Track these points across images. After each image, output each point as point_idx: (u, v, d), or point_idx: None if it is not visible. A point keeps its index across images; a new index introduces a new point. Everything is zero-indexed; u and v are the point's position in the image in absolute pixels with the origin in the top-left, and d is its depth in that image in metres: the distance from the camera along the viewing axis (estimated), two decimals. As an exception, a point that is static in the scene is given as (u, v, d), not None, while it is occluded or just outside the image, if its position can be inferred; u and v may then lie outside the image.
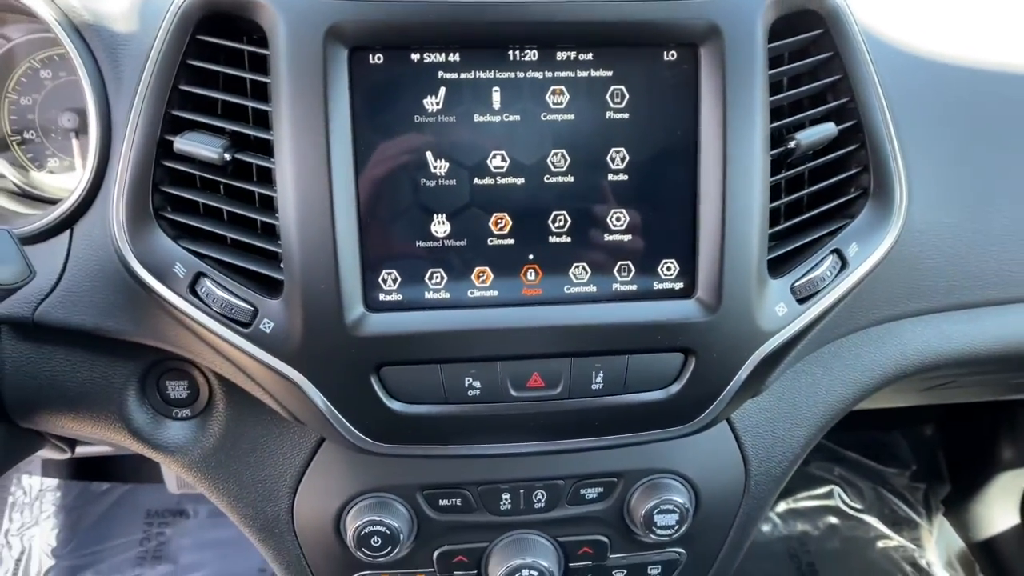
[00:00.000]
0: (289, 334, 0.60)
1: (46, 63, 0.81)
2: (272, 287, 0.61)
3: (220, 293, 0.60)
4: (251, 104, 0.60)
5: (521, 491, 0.73)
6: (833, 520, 1.81)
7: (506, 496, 0.73)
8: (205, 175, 0.62)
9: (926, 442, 1.86)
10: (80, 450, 0.90)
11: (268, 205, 0.61)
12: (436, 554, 0.74)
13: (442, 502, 0.72)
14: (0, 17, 0.78)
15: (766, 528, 1.79)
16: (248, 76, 0.59)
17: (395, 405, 0.62)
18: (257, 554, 1.73)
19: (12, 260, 0.51)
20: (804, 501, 1.83)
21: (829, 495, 1.83)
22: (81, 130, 0.81)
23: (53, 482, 1.71)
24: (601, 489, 0.74)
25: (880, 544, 1.77)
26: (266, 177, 0.61)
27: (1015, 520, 1.64)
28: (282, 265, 0.60)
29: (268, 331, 0.60)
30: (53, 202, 0.81)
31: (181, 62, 0.60)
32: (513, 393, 0.63)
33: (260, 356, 0.61)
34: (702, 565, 0.81)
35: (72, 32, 0.65)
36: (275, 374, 0.61)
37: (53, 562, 1.64)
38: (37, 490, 1.70)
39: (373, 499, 0.72)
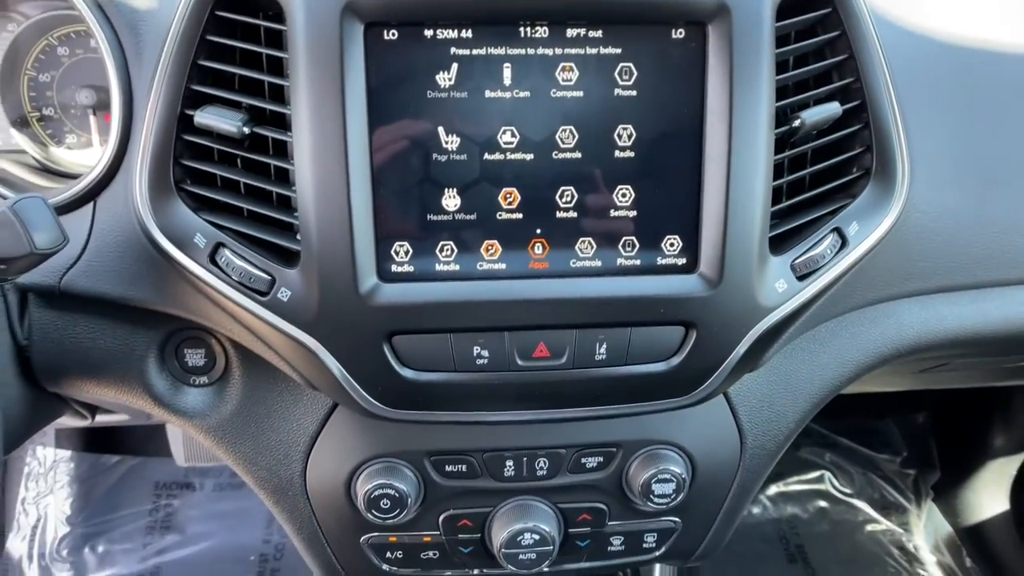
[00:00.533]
0: (305, 302, 0.62)
1: (63, 40, 0.83)
2: (288, 257, 0.63)
3: (239, 263, 0.62)
4: (268, 79, 0.61)
5: (524, 459, 0.75)
6: (823, 504, 1.84)
7: (510, 463, 0.75)
8: (223, 148, 0.63)
9: (917, 429, 1.89)
10: (99, 418, 0.93)
11: (284, 178, 0.63)
12: (442, 518, 0.77)
13: (448, 468, 0.75)
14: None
15: (756, 510, 1.82)
16: (265, 51, 0.61)
17: (406, 372, 0.64)
18: (261, 525, 1.78)
19: (49, 227, 0.53)
20: (795, 485, 1.86)
21: (820, 479, 1.87)
22: (98, 106, 0.83)
23: (66, 453, 1.75)
24: (601, 458, 0.77)
25: (868, 528, 1.81)
26: (282, 150, 0.63)
27: (1004, 506, 1.67)
28: (298, 236, 0.62)
29: (285, 300, 0.62)
30: (72, 176, 0.83)
31: (200, 37, 0.62)
32: (520, 362, 0.65)
33: (277, 323, 0.63)
34: (697, 534, 0.83)
35: (95, 9, 0.67)
36: (291, 341, 0.63)
37: (68, 529, 1.69)
38: (51, 461, 1.74)
39: (382, 464, 0.74)
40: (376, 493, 0.72)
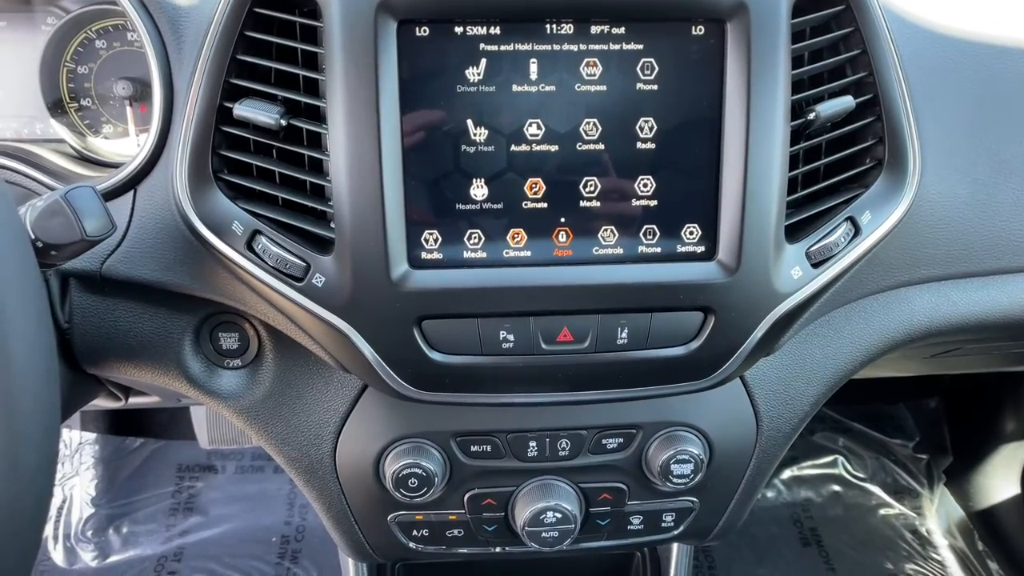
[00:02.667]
0: (339, 288, 0.65)
1: (101, 33, 0.85)
2: (322, 244, 0.66)
3: (275, 249, 0.65)
4: (304, 73, 0.64)
5: (547, 439, 0.78)
6: (836, 488, 1.86)
7: (533, 444, 0.78)
8: (259, 139, 0.66)
9: (930, 414, 1.90)
10: (131, 400, 0.96)
11: (318, 168, 0.66)
12: (466, 496, 0.80)
13: (473, 448, 0.78)
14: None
15: (771, 494, 1.85)
16: (301, 47, 0.64)
17: (435, 355, 0.67)
18: (282, 507, 1.82)
19: (99, 215, 0.56)
20: (808, 469, 1.89)
21: (833, 464, 1.89)
22: (134, 97, 0.86)
23: (91, 436, 1.80)
24: (621, 439, 0.79)
25: (882, 512, 1.83)
26: (316, 142, 0.66)
27: (1016, 490, 1.69)
28: (332, 224, 0.65)
29: (320, 285, 0.65)
30: (109, 165, 0.86)
31: (239, 33, 0.64)
32: (544, 346, 0.67)
33: (312, 308, 0.66)
34: (714, 514, 0.86)
35: (139, 7, 0.69)
36: (325, 325, 0.66)
37: (93, 510, 1.74)
38: (77, 443, 1.79)
39: (410, 444, 0.77)
40: (404, 472, 0.75)
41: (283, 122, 0.64)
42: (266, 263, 0.66)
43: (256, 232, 0.66)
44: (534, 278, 0.66)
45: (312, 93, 0.65)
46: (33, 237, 0.56)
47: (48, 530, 1.70)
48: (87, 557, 1.67)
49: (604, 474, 0.81)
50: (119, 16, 0.84)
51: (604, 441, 0.79)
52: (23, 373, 0.41)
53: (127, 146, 0.88)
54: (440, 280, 0.65)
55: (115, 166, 0.86)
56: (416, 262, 0.66)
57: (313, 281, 0.65)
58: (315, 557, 1.70)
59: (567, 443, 0.78)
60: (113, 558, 1.68)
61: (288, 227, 0.66)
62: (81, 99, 0.87)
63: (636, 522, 0.83)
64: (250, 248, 0.66)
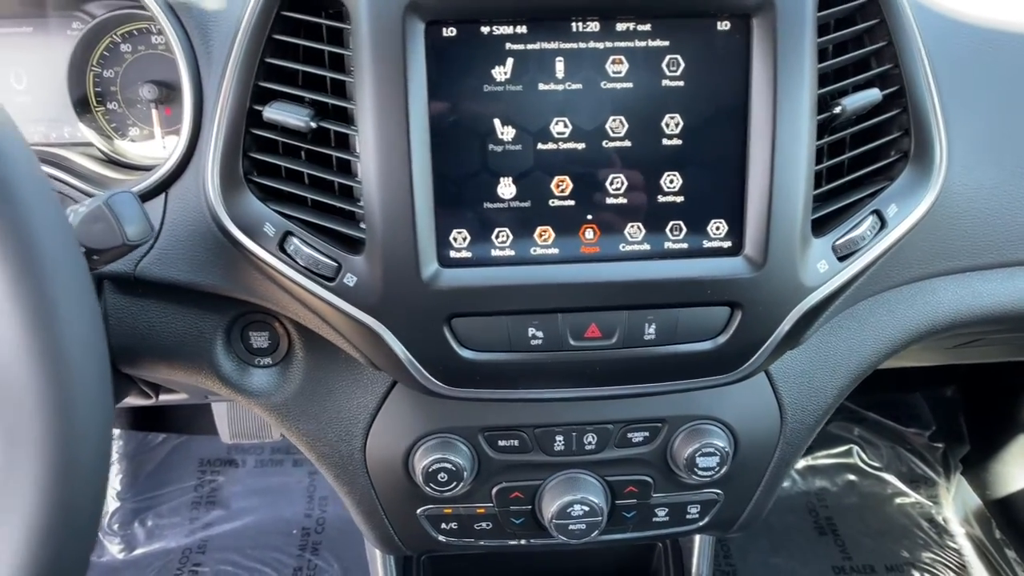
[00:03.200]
0: (370, 288, 0.66)
1: (126, 37, 0.86)
2: (353, 245, 0.67)
3: (307, 250, 0.66)
4: (331, 75, 0.64)
5: (574, 434, 0.79)
6: (851, 477, 1.87)
7: (560, 438, 0.79)
8: (288, 141, 0.67)
9: (946, 403, 1.90)
10: (162, 397, 0.98)
11: (346, 168, 0.67)
12: (494, 490, 0.81)
13: (501, 442, 0.79)
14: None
15: (786, 483, 1.85)
16: (329, 49, 0.64)
17: (464, 352, 0.68)
18: (302, 500, 1.84)
19: (139, 220, 0.57)
20: (823, 459, 1.89)
21: (848, 453, 1.89)
22: (160, 100, 0.87)
23: (115, 432, 1.82)
24: (647, 433, 0.80)
25: (898, 500, 1.83)
26: (344, 143, 0.67)
27: (1033, 478, 1.68)
28: (362, 224, 0.66)
29: (351, 285, 0.66)
30: (136, 168, 0.87)
31: (268, 37, 0.65)
32: (572, 342, 0.68)
33: (344, 307, 0.67)
34: (738, 505, 0.87)
35: (168, 11, 0.70)
36: (356, 323, 0.67)
37: (118, 504, 1.77)
38: (102, 439, 1.81)
39: (438, 439, 0.79)
40: (434, 467, 0.77)
41: (313, 124, 0.65)
42: (298, 264, 0.67)
43: (287, 233, 0.67)
44: (562, 275, 0.67)
45: (339, 95, 0.66)
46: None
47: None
48: (114, 549, 1.70)
49: (630, 467, 0.82)
50: (144, 20, 0.84)
51: (630, 435, 0.80)
52: (79, 374, 0.42)
53: (153, 148, 0.89)
54: (470, 278, 0.66)
55: (142, 168, 0.88)
56: (445, 261, 0.67)
57: (344, 281, 0.66)
58: (336, 549, 1.72)
59: (594, 437, 0.79)
60: (139, 550, 1.71)
61: (318, 227, 0.67)
62: (108, 102, 0.88)
63: (661, 514, 0.84)
64: (282, 249, 0.67)
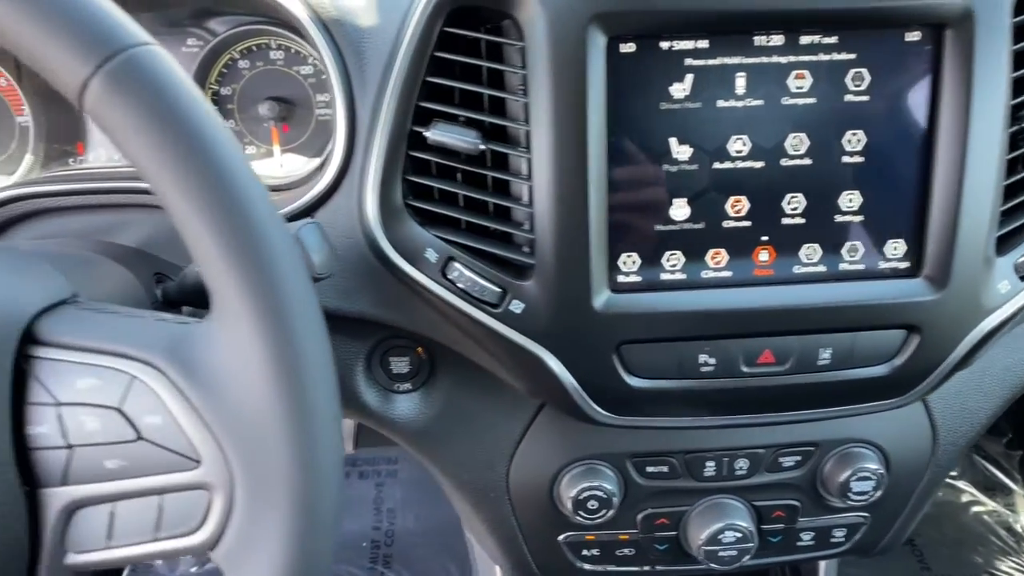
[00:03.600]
0: (538, 315, 0.63)
1: (244, 54, 0.84)
2: (517, 270, 0.64)
3: (471, 276, 0.64)
4: (505, 96, 0.62)
5: (725, 459, 0.76)
6: (928, 486, 1.83)
7: (710, 464, 0.76)
8: (447, 163, 0.64)
9: (1023, 410, 1.86)
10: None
11: (503, 191, 0.64)
12: (639, 516, 0.79)
13: (649, 468, 0.77)
14: (213, 10, 0.81)
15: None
16: (505, 69, 0.61)
17: (633, 381, 0.65)
18: (370, 513, 1.81)
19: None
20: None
21: (922, 462, 1.86)
22: (279, 118, 0.85)
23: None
24: (799, 457, 0.77)
25: (974, 509, 1.80)
26: (502, 165, 0.64)
27: (1114, 485, 1.65)
28: (524, 248, 0.63)
29: (518, 312, 0.64)
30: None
31: (430, 55, 0.62)
32: (744, 369, 0.66)
33: (509, 335, 0.64)
34: (883, 528, 0.84)
35: (322, 29, 0.68)
36: (519, 350, 0.65)
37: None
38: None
39: (584, 466, 0.76)
40: (585, 495, 0.74)
41: (482, 146, 0.62)
42: (461, 290, 0.64)
43: (449, 259, 0.64)
44: (737, 301, 0.64)
45: (499, 113, 0.63)
46: None
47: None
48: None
49: (778, 492, 0.79)
50: (264, 36, 0.82)
51: (781, 459, 0.77)
52: (324, 423, 0.41)
53: (270, 167, 0.87)
54: (641, 304, 0.64)
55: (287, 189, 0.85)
56: (615, 286, 0.64)
57: (510, 308, 0.64)
58: (406, 561, 1.70)
59: (745, 462, 0.77)
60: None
61: (477, 252, 0.65)
62: (228, 120, 0.86)
63: (806, 538, 0.82)
64: (443, 275, 0.65)
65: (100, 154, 0.87)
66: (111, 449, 0.42)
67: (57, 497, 0.43)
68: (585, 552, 0.81)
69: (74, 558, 0.44)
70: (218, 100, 0.85)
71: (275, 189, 0.81)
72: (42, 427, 0.42)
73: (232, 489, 0.41)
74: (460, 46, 0.63)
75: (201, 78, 0.84)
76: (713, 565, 0.78)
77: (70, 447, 0.42)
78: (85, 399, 0.42)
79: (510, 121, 0.62)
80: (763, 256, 0.65)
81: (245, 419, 0.41)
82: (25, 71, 0.83)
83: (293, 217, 0.70)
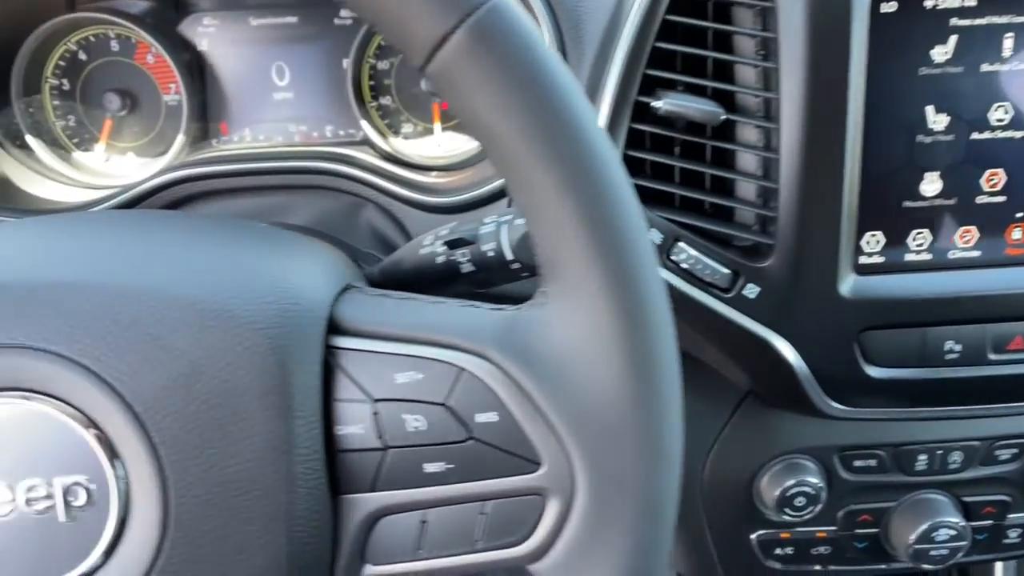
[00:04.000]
0: (775, 299, 0.59)
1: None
2: (747, 251, 0.60)
3: (702, 257, 0.59)
4: (747, 62, 0.57)
5: (938, 452, 0.72)
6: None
7: (922, 457, 0.72)
8: (675, 136, 0.59)
9: None
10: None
11: (730, 165, 0.59)
12: (840, 513, 0.74)
13: (856, 463, 0.72)
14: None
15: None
16: (746, 32, 0.56)
17: (871, 369, 0.61)
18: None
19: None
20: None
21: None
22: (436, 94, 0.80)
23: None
24: (1016, 450, 0.73)
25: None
26: (729, 137, 0.59)
27: None
28: (756, 228, 0.59)
29: (752, 296, 0.59)
30: (416, 166, 0.81)
31: (661, 18, 0.57)
32: (991, 357, 0.61)
33: (740, 321, 0.60)
34: (1087, 525, 0.79)
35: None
36: (749, 337, 0.60)
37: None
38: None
39: (786, 461, 0.72)
40: (793, 491, 0.70)
41: (723, 116, 0.57)
42: (689, 273, 0.60)
43: (676, 239, 0.60)
44: (987, 283, 0.59)
45: (730, 81, 0.58)
46: (511, 257, 0.51)
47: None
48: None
49: (989, 486, 0.74)
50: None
51: (996, 452, 0.72)
52: (673, 417, 0.37)
53: (427, 146, 0.82)
54: (887, 287, 0.59)
55: (421, 167, 0.81)
56: (858, 267, 0.59)
57: (744, 292, 0.59)
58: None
59: (959, 456, 0.72)
60: None
61: (704, 232, 0.60)
62: (381, 97, 0.82)
63: (1013, 535, 0.77)
64: (667, 256, 0.60)
65: (245, 134, 0.83)
66: (434, 451, 0.38)
67: (363, 504, 0.39)
68: (778, 551, 0.77)
69: (372, 569, 0.40)
70: (375, 75, 0.81)
71: (434, 169, 0.77)
72: (355, 427, 0.38)
73: (571, 495, 0.37)
74: (690, 9, 0.58)
75: (359, 51, 0.79)
76: (921, 564, 0.74)
77: (385, 449, 0.38)
78: (406, 395, 0.38)
79: (748, 89, 0.57)
80: (1016, 234, 0.60)
81: (592, 417, 0.37)
82: (180, 43, 0.79)
83: (489, 199, 0.66)
